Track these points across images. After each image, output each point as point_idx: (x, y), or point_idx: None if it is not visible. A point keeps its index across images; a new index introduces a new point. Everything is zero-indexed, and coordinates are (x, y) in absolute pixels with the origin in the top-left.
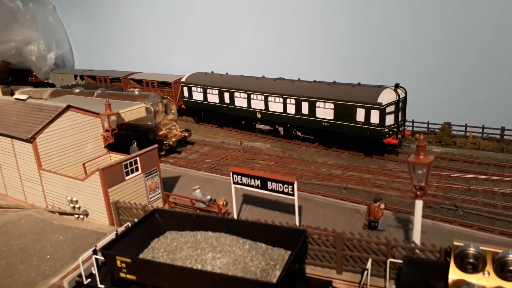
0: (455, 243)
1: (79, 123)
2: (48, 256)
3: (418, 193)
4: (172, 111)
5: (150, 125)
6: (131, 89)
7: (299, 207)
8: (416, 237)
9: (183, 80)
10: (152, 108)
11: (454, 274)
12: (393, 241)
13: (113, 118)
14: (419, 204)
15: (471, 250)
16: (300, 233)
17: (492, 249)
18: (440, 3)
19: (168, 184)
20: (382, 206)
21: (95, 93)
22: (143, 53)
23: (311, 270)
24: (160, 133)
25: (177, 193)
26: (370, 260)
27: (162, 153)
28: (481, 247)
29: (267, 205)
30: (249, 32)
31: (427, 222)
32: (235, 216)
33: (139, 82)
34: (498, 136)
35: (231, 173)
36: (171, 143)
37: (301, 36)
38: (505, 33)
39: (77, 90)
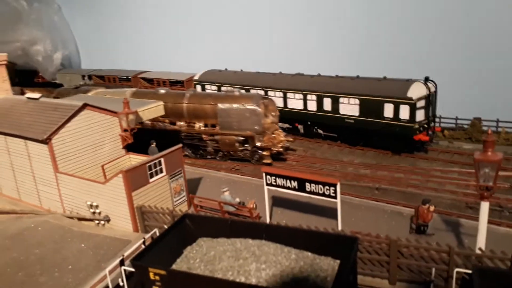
0: None
1: (97, 123)
2: (70, 267)
3: (485, 194)
4: (273, 113)
5: (257, 129)
6: (229, 89)
7: (333, 210)
8: (481, 243)
9: (196, 78)
10: (259, 110)
11: None
12: (456, 247)
13: (131, 117)
14: (485, 206)
15: None
16: (352, 241)
17: None
18: None
19: (191, 186)
20: (432, 208)
21: (187, 94)
22: (152, 51)
23: (360, 281)
24: (266, 138)
25: (200, 195)
26: (434, 271)
27: (268, 161)
28: None
29: (300, 207)
30: (263, 28)
31: (475, 224)
32: (267, 220)
33: (150, 81)
34: None
35: (263, 174)
36: (280, 149)
37: (319, 30)
38: None
39: (162, 91)
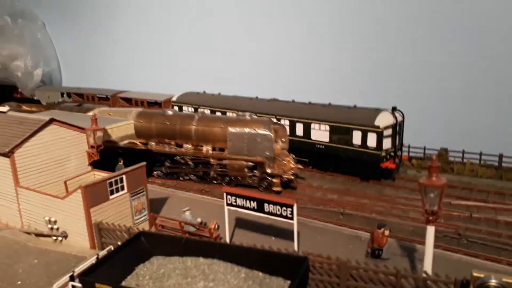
0: (474, 274)
1: (63, 138)
2: (19, 282)
3: (430, 218)
4: (283, 139)
5: (268, 155)
6: (241, 113)
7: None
8: (428, 266)
9: (173, 99)
10: (271, 135)
11: None
12: (403, 270)
13: (99, 134)
14: (431, 230)
15: (493, 282)
16: (301, 261)
17: None
18: (437, 24)
19: (156, 206)
20: (387, 232)
21: (196, 116)
22: (133, 71)
23: None
24: (276, 165)
25: (165, 215)
26: None
27: (278, 189)
28: (503, 279)
29: (263, 229)
30: (242, 52)
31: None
32: (228, 241)
33: (128, 100)
34: (496, 164)
35: (224, 194)
36: (291, 177)
37: (295, 58)
38: (504, 58)
39: (170, 112)
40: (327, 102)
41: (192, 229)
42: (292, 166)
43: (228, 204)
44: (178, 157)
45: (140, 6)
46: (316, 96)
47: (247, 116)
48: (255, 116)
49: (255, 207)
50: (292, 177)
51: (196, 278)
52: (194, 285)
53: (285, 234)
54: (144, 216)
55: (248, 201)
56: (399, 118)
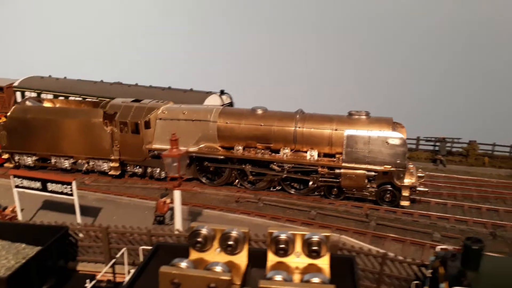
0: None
1: None
2: None
3: (174, 183)
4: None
5: (399, 163)
6: (353, 111)
7: (99, 209)
8: (178, 223)
9: (15, 84)
10: (404, 139)
11: (191, 255)
12: (153, 230)
13: None
14: (177, 193)
15: (203, 231)
16: (60, 230)
17: (220, 228)
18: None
19: None
20: (168, 201)
21: (297, 116)
22: None
23: (82, 267)
24: (407, 174)
25: None
26: (123, 250)
27: (406, 203)
28: (210, 227)
29: (66, 209)
30: (91, 34)
31: (214, 213)
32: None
33: None
34: None
35: (11, 177)
36: (425, 189)
37: (142, 41)
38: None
39: (260, 111)
40: (167, 86)
41: None
42: (420, 174)
43: (16, 186)
44: (274, 164)
45: None
46: (173, 81)
47: (363, 115)
48: (373, 116)
49: (40, 187)
50: (426, 189)
51: None
52: None
53: (87, 211)
54: None
55: (33, 182)
56: (227, 100)
